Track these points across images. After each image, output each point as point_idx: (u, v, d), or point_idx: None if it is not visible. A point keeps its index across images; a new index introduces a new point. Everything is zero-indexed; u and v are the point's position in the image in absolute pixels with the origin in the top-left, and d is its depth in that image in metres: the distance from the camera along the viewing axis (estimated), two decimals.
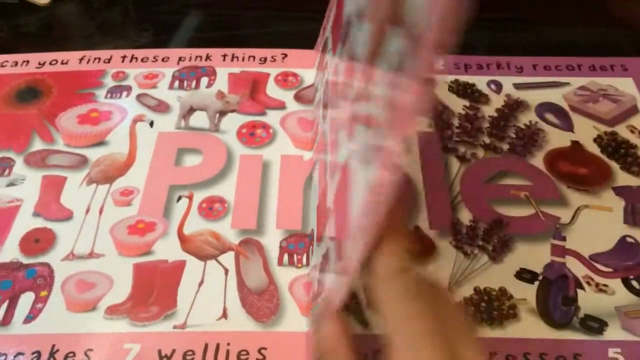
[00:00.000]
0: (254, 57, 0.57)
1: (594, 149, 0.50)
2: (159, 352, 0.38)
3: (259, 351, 0.38)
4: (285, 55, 0.58)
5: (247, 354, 0.38)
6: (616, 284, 0.42)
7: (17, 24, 0.62)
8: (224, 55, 0.57)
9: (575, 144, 0.50)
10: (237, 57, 0.57)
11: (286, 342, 0.38)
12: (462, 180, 0.48)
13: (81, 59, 0.57)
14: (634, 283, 0.42)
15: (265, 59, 0.57)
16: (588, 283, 0.42)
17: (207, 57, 0.57)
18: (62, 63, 0.57)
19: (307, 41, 0.58)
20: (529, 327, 0.40)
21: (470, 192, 0.47)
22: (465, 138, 0.51)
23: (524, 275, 0.42)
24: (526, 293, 0.41)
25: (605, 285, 0.42)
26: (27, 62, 0.57)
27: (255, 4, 0.65)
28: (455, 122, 0.52)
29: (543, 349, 0.38)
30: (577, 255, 0.43)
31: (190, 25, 0.63)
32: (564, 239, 0.44)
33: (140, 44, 0.60)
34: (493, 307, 0.41)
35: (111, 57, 0.57)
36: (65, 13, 0.63)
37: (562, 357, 0.38)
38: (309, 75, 0.55)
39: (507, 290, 0.41)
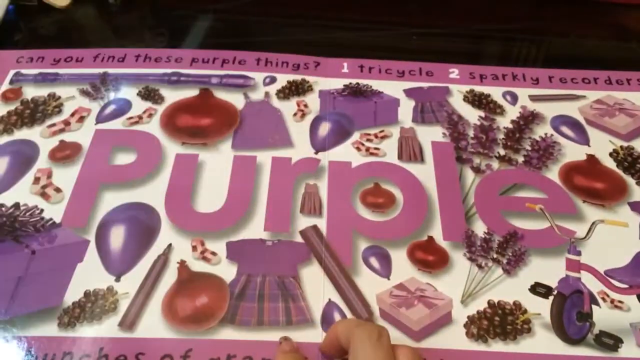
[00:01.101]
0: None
1: (610, 164, 0.50)
2: None
3: None
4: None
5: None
6: (631, 300, 0.41)
7: (35, 26, 0.62)
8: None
9: (591, 157, 0.50)
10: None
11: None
12: (477, 192, 0.48)
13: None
14: None
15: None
16: (603, 299, 0.41)
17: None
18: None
19: (321, 50, 0.58)
20: (543, 342, 0.39)
21: (484, 204, 0.47)
22: (480, 149, 0.51)
23: (539, 289, 0.42)
24: (540, 307, 0.41)
25: (620, 301, 0.41)
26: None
27: (271, 11, 0.65)
28: (470, 132, 0.52)
29: None
30: (592, 271, 0.43)
31: (205, 31, 0.63)
32: (579, 253, 0.43)
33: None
34: (507, 321, 0.40)
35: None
36: (83, 16, 0.63)
37: None
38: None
39: (522, 304, 0.41)
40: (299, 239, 0.44)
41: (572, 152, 0.50)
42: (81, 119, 0.52)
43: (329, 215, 0.46)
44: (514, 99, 0.55)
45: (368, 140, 0.51)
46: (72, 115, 0.52)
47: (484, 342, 0.39)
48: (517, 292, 0.42)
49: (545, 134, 0.52)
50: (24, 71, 0.56)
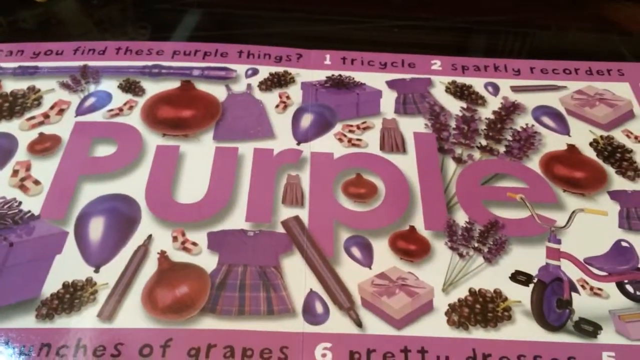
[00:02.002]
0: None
1: (590, 153, 0.50)
2: None
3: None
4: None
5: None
6: (611, 287, 0.42)
7: (15, 20, 0.62)
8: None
9: (572, 147, 0.50)
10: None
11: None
12: (458, 182, 0.48)
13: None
14: (629, 287, 0.42)
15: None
16: (583, 286, 0.42)
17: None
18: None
19: (304, 43, 0.58)
20: (523, 329, 0.40)
21: (466, 194, 0.47)
22: (461, 140, 0.51)
23: (519, 277, 0.42)
24: (521, 295, 0.41)
25: (599, 289, 0.42)
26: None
27: (255, 4, 0.65)
28: (452, 123, 0.52)
29: (537, 351, 0.38)
30: (572, 259, 0.43)
31: (188, 24, 0.62)
32: (559, 242, 0.44)
33: None
34: (488, 308, 0.40)
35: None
36: (64, 9, 0.63)
37: (556, 359, 0.38)
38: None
39: (502, 292, 0.41)
40: (280, 229, 0.44)
41: (553, 142, 0.51)
42: (61, 112, 0.51)
43: (311, 205, 0.46)
44: (496, 90, 0.55)
45: (350, 131, 0.51)
46: (52, 108, 0.51)
47: (465, 330, 0.39)
48: (497, 280, 0.42)
49: (527, 124, 0.52)
50: (3, 64, 0.55)
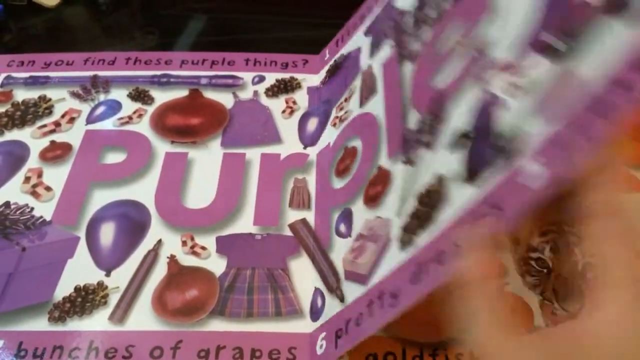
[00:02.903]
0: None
1: None
2: None
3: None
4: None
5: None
6: None
7: (24, 26, 0.62)
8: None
9: None
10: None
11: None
12: (413, 81, 0.39)
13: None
14: None
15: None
16: None
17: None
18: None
19: (309, 48, 0.58)
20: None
21: (418, 89, 0.38)
22: (416, 29, 0.42)
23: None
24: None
25: None
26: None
27: (260, 9, 0.65)
28: (410, 20, 0.43)
29: None
30: None
31: (194, 29, 0.63)
32: None
33: (146, 47, 0.61)
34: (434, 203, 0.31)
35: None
36: (73, 15, 0.63)
37: None
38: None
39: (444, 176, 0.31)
40: (287, 232, 0.44)
41: None
42: (71, 120, 0.52)
43: (317, 207, 0.45)
44: None
45: (340, 109, 0.49)
46: (63, 116, 0.52)
47: (411, 245, 0.32)
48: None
49: None
50: (14, 74, 0.56)
